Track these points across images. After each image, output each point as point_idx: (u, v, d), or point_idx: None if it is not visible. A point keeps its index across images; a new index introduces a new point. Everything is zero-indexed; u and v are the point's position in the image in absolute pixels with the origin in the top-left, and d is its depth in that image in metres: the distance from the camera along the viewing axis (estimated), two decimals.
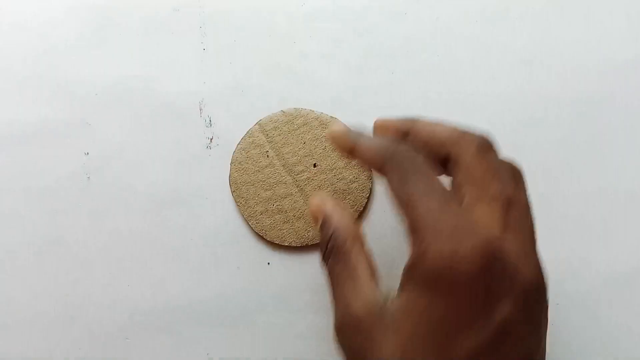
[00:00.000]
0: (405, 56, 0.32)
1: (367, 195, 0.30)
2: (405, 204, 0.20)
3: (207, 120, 0.31)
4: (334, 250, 0.23)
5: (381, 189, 0.31)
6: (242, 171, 0.30)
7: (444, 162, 0.22)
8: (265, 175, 0.30)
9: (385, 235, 0.30)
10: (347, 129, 0.26)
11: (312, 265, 0.30)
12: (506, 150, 0.31)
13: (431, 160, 0.22)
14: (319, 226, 0.25)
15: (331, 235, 0.24)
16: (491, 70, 0.32)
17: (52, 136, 0.31)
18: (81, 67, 0.32)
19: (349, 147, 0.25)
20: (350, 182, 0.30)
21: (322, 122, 0.31)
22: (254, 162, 0.30)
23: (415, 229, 0.20)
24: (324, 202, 0.25)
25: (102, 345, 0.29)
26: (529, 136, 0.31)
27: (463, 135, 0.22)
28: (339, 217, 0.24)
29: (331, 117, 0.31)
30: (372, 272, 0.22)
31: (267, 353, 0.29)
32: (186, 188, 0.30)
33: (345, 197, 0.30)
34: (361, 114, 0.31)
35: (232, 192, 0.30)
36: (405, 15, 0.33)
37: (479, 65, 0.32)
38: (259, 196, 0.30)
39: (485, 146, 0.22)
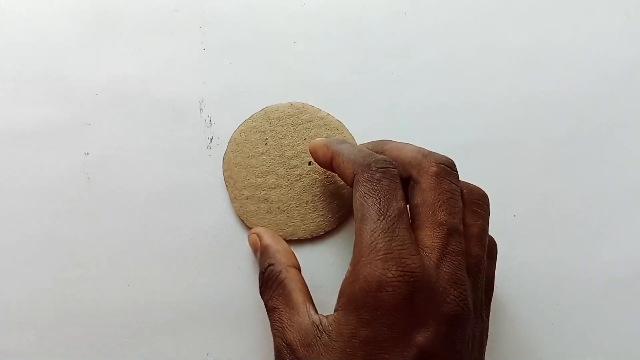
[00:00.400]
0: (405, 56, 0.32)
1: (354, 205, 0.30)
2: (359, 219, 0.22)
3: (207, 120, 0.31)
4: (270, 279, 0.25)
5: None
6: (237, 152, 0.30)
7: (407, 181, 0.23)
8: (259, 161, 0.30)
9: None
10: (328, 139, 0.27)
11: (311, 265, 0.30)
12: (506, 150, 0.31)
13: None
14: (257, 257, 0.27)
15: (268, 266, 0.25)
16: (491, 70, 0.32)
17: (52, 136, 0.31)
18: (81, 67, 0.32)
19: (330, 155, 0.26)
20: (341, 187, 0.30)
21: (327, 123, 0.31)
22: (251, 147, 0.30)
23: (357, 246, 0.21)
24: (261, 233, 0.28)
25: (102, 345, 0.29)
26: (529, 136, 0.31)
27: (424, 159, 0.23)
28: (275, 248, 0.26)
29: (337, 120, 0.31)
30: (307, 297, 0.24)
31: (267, 353, 0.29)
32: (186, 188, 0.30)
33: (332, 201, 0.30)
34: (361, 114, 0.31)
35: (224, 170, 0.30)
36: (405, 15, 0.33)
37: (479, 65, 0.32)
38: (248, 180, 0.30)
39: (443, 172, 0.22)
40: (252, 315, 0.29)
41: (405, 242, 0.20)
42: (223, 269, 0.30)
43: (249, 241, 0.29)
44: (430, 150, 0.24)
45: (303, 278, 0.25)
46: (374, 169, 0.22)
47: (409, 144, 0.25)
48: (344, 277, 0.22)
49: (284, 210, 0.30)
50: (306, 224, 0.30)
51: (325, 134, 0.30)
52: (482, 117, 0.32)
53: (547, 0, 0.33)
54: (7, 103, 0.31)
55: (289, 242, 0.30)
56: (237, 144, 0.30)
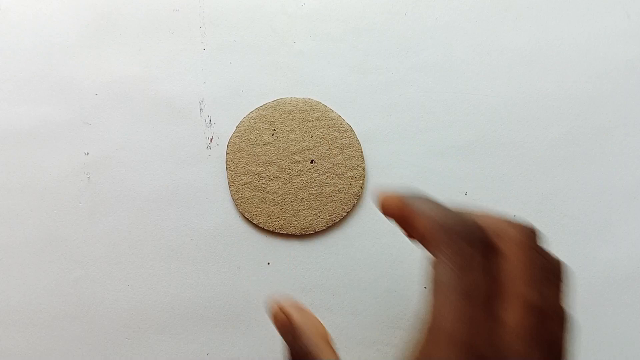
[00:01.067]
0: (405, 56, 0.32)
1: (349, 210, 0.30)
2: (434, 292, 0.19)
3: (207, 120, 0.31)
4: (306, 356, 0.23)
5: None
6: (243, 137, 0.30)
7: (489, 250, 0.21)
8: (263, 150, 0.30)
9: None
10: (401, 193, 0.24)
11: (311, 265, 0.30)
12: (506, 150, 0.31)
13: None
14: (282, 332, 0.25)
15: (301, 343, 0.24)
16: (491, 70, 0.32)
17: (52, 136, 0.31)
18: (81, 67, 0.32)
19: (403, 209, 0.23)
20: (338, 190, 0.30)
21: (337, 124, 0.31)
22: (258, 135, 0.30)
23: (431, 323, 0.19)
24: (288, 311, 0.25)
25: (102, 345, 0.29)
26: (529, 136, 0.31)
27: (510, 227, 0.21)
28: (306, 326, 0.24)
29: (347, 123, 0.31)
30: None
31: (267, 353, 0.29)
32: (186, 188, 0.30)
33: (327, 203, 0.30)
34: (361, 114, 0.31)
35: (227, 153, 0.30)
36: (405, 15, 0.33)
37: (478, 65, 0.32)
38: (249, 167, 0.30)
39: (530, 242, 0.20)
40: (252, 315, 0.29)
41: (481, 325, 0.19)
42: (223, 269, 0.30)
43: (272, 314, 0.26)
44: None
45: (337, 354, 0.24)
46: (464, 239, 0.20)
47: (485, 213, 0.23)
48: (406, 351, 0.20)
49: (278, 203, 0.30)
50: (297, 220, 0.30)
51: (333, 136, 0.30)
52: (482, 117, 0.32)
53: (547, 0, 0.33)
54: (7, 103, 0.31)
55: (277, 235, 0.30)
56: (245, 129, 0.30)
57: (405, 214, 0.23)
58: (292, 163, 0.30)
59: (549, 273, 0.20)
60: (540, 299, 0.19)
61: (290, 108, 0.31)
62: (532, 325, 0.19)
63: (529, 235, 0.21)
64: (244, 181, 0.30)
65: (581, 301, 0.29)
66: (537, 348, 0.19)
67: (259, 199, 0.30)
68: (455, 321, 0.18)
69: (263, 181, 0.30)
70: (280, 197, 0.30)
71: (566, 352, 0.20)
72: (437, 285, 0.19)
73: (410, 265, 0.30)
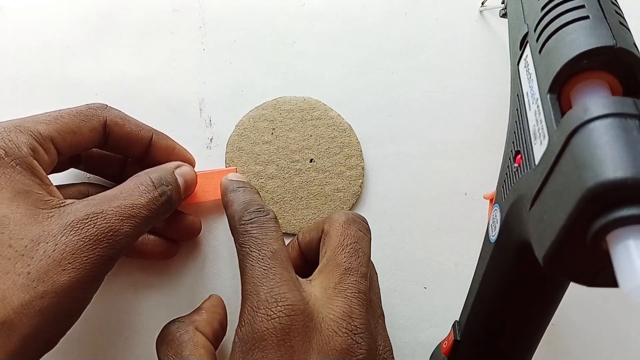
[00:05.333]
0: (405, 56, 0.32)
1: (348, 209, 0.30)
2: (240, 269, 0.22)
3: (207, 121, 0.31)
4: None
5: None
6: (242, 137, 0.30)
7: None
8: (262, 150, 0.30)
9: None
10: (234, 182, 0.26)
11: None
12: None
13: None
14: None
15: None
16: (491, 70, 0.32)
17: None
18: (81, 67, 0.32)
19: (223, 199, 0.26)
20: (337, 190, 0.30)
21: (336, 123, 0.31)
22: (257, 134, 0.30)
23: (242, 295, 0.22)
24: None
25: (102, 345, 0.29)
26: None
27: (336, 214, 0.24)
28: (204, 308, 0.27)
29: (347, 122, 0.31)
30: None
31: None
32: None
33: (327, 202, 0.30)
34: (361, 114, 0.31)
35: (226, 152, 0.30)
36: (405, 15, 0.33)
37: (479, 65, 0.32)
38: (248, 166, 0.30)
39: (349, 221, 0.24)
40: None
41: (283, 279, 0.21)
42: (223, 268, 0.30)
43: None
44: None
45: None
46: (242, 222, 0.23)
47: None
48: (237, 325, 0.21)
49: (277, 202, 0.30)
50: (297, 220, 0.30)
51: (333, 134, 0.30)
52: (482, 117, 0.32)
53: None
54: (8, 103, 0.31)
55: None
56: (244, 128, 0.30)
57: (223, 202, 0.26)
58: (291, 162, 0.30)
59: (364, 244, 0.23)
60: (348, 260, 0.22)
61: (289, 107, 0.31)
62: (338, 280, 0.22)
63: (350, 215, 0.24)
64: None
65: (581, 301, 0.29)
66: (338, 294, 0.21)
67: None
68: (259, 283, 0.21)
69: (262, 180, 0.30)
70: (279, 196, 0.30)
71: (364, 297, 0.22)
72: (243, 266, 0.22)
73: (410, 265, 0.30)
